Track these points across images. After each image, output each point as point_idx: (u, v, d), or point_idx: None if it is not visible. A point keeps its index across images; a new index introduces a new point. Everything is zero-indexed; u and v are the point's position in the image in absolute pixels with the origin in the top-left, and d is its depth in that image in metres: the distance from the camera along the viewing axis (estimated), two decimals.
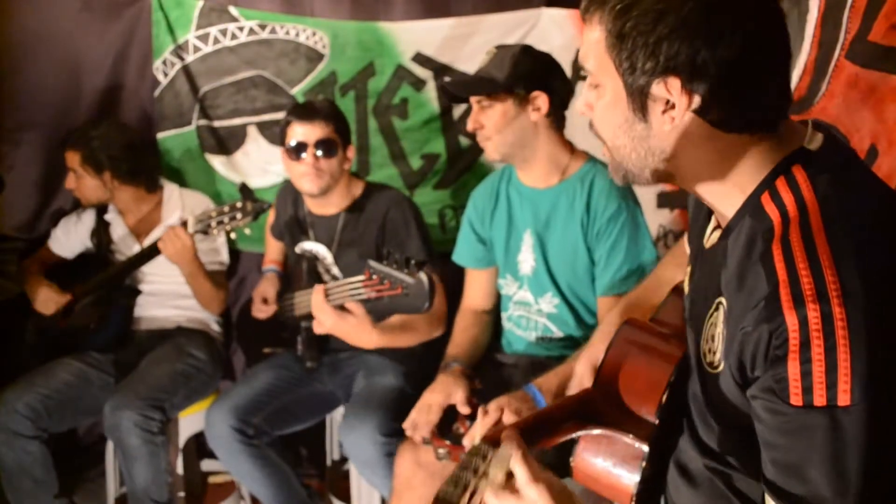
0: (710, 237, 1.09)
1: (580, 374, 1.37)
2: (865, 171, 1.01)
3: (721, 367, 0.98)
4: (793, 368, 0.84)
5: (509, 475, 1.00)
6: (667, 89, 0.94)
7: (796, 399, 0.84)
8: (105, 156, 2.51)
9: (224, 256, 2.69)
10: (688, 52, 0.91)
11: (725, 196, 1.01)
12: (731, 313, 0.96)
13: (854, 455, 0.82)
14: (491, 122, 1.94)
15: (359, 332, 1.98)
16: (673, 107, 0.95)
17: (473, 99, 1.97)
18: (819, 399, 0.82)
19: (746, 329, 0.90)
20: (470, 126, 1.98)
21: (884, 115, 1.36)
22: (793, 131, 1.00)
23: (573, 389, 1.37)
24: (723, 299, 0.99)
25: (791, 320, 0.84)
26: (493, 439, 1.03)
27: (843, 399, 0.81)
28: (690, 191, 1.07)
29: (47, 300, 2.51)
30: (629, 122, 0.99)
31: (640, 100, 0.96)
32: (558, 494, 0.98)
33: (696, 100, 0.94)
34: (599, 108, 1.02)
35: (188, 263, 2.36)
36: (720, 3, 0.91)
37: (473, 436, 1.78)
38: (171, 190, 2.69)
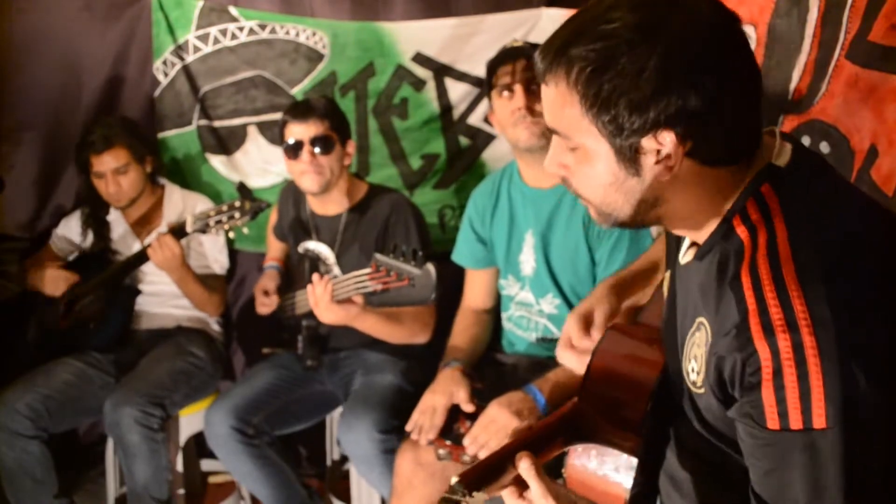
0: (686, 254, 1.09)
1: (567, 328, 1.37)
2: (836, 182, 1.00)
3: (704, 390, 0.99)
4: (767, 395, 0.86)
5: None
6: (658, 142, 0.91)
7: (773, 423, 0.86)
8: (144, 142, 2.58)
9: (223, 260, 2.68)
10: (678, 104, 0.88)
11: (704, 225, 1.00)
12: (710, 336, 0.97)
13: (833, 475, 0.84)
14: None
15: (347, 312, 1.99)
16: (667, 156, 0.92)
17: (522, 84, 1.94)
18: (795, 423, 0.84)
19: (720, 354, 0.91)
20: (521, 104, 1.92)
21: (884, 115, 1.36)
22: (761, 146, 0.98)
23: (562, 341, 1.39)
24: (703, 320, 1.00)
25: (763, 349, 0.86)
26: (468, 480, 1.03)
27: (819, 422, 0.83)
28: (673, 229, 1.06)
29: (56, 279, 2.49)
30: (619, 179, 0.96)
31: (630, 157, 0.93)
32: None
33: (689, 144, 0.92)
34: (582, 171, 0.99)
35: (176, 270, 2.38)
36: (690, 44, 0.89)
37: (475, 436, 1.79)
38: (172, 189, 2.69)
